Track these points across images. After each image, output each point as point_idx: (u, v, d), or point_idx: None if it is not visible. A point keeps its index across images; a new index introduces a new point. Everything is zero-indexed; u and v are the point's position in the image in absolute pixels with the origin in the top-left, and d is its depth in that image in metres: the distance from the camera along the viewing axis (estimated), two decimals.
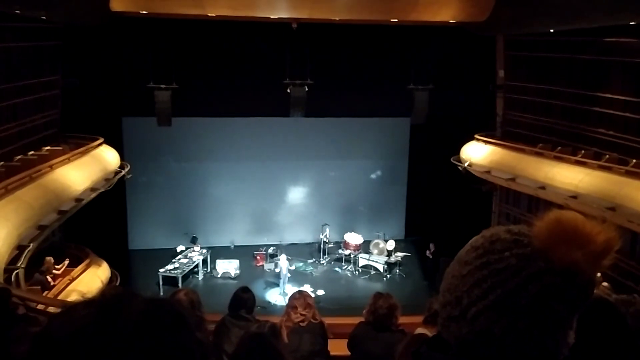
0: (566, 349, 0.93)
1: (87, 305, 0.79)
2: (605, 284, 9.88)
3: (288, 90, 14.50)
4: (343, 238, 17.08)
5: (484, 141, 14.31)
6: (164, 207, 17.22)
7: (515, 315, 0.90)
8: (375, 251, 16.70)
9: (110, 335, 0.74)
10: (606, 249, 0.88)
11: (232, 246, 17.52)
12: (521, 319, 0.90)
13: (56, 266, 11.05)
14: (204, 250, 16.19)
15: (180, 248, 16.23)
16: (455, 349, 0.97)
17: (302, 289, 12.05)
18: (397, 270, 16.30)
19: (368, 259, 16.41)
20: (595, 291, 0.98)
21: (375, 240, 16.90)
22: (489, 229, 1.02)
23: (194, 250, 16.08)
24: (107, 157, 13.22)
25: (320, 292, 14.62)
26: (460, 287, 0.96)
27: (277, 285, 14.98)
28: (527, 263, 0.91)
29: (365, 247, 16.89)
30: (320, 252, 17.03)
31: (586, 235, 0.88)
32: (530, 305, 0.89)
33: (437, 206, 17.07)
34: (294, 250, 17.13)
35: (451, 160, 15.03)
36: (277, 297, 14.53)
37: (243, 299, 4.39)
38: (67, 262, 11.53)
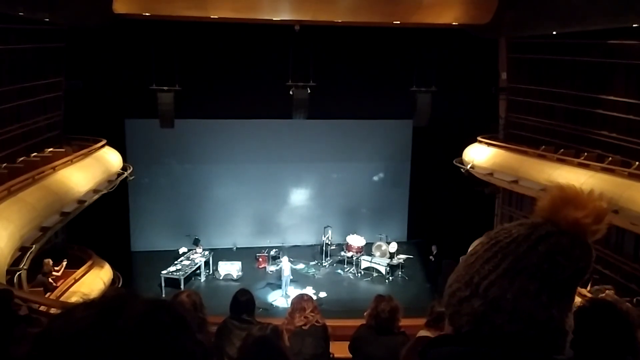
0: (569, 327, 0.97)
1: (88, 306, 0.79)
2: (610, 291, 9.82)
3: (290, 93, 14.51)
4: (345, 240, 17.06)
5: (486, 143, 14.27)
6: (166, 209, 17.24)
7: (526, 277, 0.95)
8: (377, 253, 16.67)
9: (110, 337, 0.74)
10: (603, 210, 0.98)
11: (235, 248, 17.52)
12: (532, 280, 0.95)
13: (55, 267, 11.05)
14: (206, 252, 16.20)
15: (182, 250, 16.25)
16: (465, 332, 0.98)
17: (304, 291, 12.07)
18: (400, 273, 16.27)
19: (370, 261, 16.39)
20: (600, 296, 1.03)
21: (378, 243, 16.88)
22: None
23: (196, 252, 16.08)
24: (109, 158, 13.25)
25: (323, 294, 14.62)
26: (469, 271, 1.00)
27: (279, 287, 14.97)
28: (536, 229, 0.99)
29: (367, 250, 16.87)
30: (322, 254, 17.02)
31: (585, 198, 0.99)
32: (540, 264, 0.95)
33: (439, 208, 17.04)
34: (296, 252, 17.12)
35: (454, 162, 14.99)
36: (279, 299, 14.52)
37: (242, 303, 4.38)
38: (65, 263, 11.51)
